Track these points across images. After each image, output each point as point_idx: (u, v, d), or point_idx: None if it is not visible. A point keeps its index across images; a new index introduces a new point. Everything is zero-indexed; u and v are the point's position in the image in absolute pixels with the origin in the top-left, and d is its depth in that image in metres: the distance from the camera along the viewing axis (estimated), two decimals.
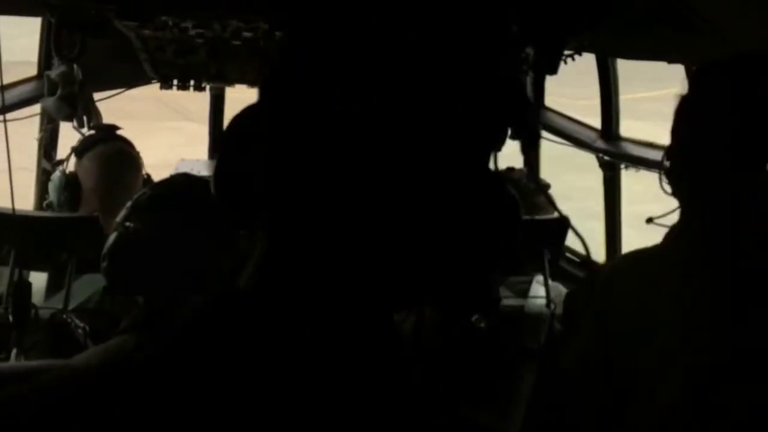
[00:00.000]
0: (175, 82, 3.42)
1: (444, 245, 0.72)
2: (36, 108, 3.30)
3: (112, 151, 2.59)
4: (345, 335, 0.73)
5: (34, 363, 2.06)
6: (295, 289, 0.73)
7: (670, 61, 2.81)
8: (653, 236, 1.53)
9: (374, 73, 0.69)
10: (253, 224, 0.78)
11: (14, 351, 2.27)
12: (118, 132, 2.76)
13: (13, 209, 2.25)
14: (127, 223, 1.53)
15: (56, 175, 2.68)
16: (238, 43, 2.80)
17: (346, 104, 0.69)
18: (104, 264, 1.58)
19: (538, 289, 2.82)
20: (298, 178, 0.71)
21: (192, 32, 2.71)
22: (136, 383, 0.69)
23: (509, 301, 2.73)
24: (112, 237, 1.56)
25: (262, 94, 0.76)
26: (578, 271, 3.87)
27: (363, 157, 0.69)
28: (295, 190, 0.72)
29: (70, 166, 2.76)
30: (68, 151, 2.84)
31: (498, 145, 0.77)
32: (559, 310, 2.78)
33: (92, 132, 2.88)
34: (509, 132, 0.78)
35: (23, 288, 2.32)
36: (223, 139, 0.76)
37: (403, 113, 0.69)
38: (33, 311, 2.33)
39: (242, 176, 0.74)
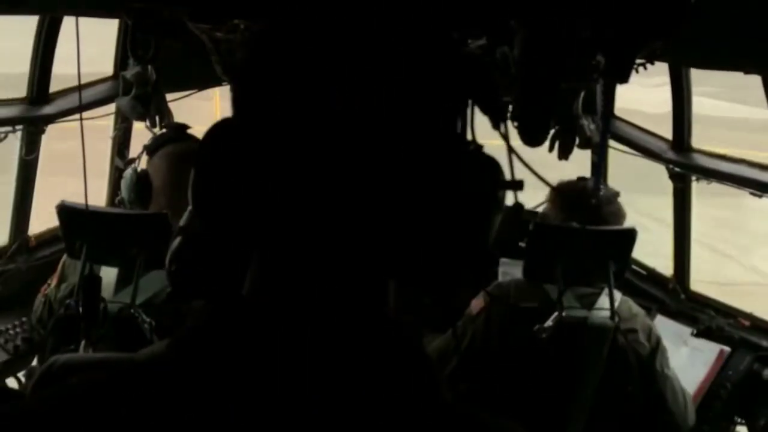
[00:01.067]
0: None
1: (423, 217, 0.75)
2: (111, 107, 3.40)
3: (180, 151, 2.64)
4: (343, 329, 0.74)
5: (100, 355, 2.11)
6: (292, 288, 0.75)
7: (747, 71, 2.73)
8: None
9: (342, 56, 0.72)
10: (241, 236, 0.79)
11: (83, 343, 2.34)
12: (189, 131, 2.81)
13: (87, 205, 2.32)
14: (191, 227, 1.54)
15: (128, 173, 2.75)
16: None
17: (317, 86, 0.72)
18: (169, 269, 1.60)
19: (605, 301, 2.76)
20: (281, 178, 0.73)
21: None
22: (149, 383, 0.72)
23: (574, 312, 2.69)
24: (176, 241, 1.58)
25: (234, 102, 0.78)
26: (644, 285, 3.79)
27: (338, 144, 0.72)
28: (280, 192, 0.74)
29: (143, 164, 2.83)
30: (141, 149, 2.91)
31: (459, 117, 0.79)
32: (624, 324, 2.72)
33: (164, 131, 2.94)
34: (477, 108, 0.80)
35: (93, 282, 2.38)
36: (200, 158, 0.78)
37: (370, 93, 0.72)
38: (102, 305, 2.39)
39: (223, 191, 0.76)
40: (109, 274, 2.52)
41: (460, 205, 0.76)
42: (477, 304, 2.84)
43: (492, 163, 0.79)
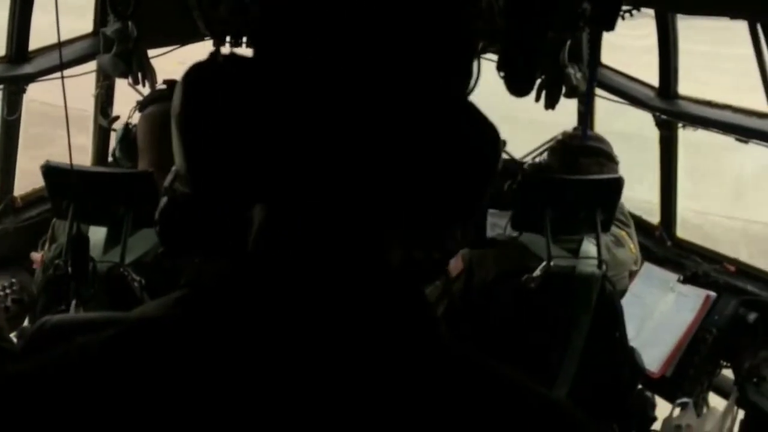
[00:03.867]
0: (228, 39, 3.43)
1: (421, 171, 0.75)
2: (92, 65, 3.36)
3: (160, 111, 2.59)
4: (349, 280, 0.75)
5: (92, 315, 2.11)
6: (299, 241, 0.75)
7: (733, 16, 2.72)
8: None
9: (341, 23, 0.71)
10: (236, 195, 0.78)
11: (73, 302, 2.34)
12: None
13: (71, 164, 2.30)
14: (175, 186, 1.53)
15: (120, 129, 2.72)
16: None
17: (318, 51, 0.71)
18: (157, 229, 1.60)
19: (589, 248, 2.78)
20: (286, 127, 0.73)
21: None
22: (163, 343, 0.73)
23: (560, 261, 2.71)
24: (162, 201, 1.57)
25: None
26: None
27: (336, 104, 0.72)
28: (284, 141, 0.73)
29: (135, 119, 2.78)
30: (125, 108, 2.87)
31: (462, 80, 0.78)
32: (611, 272, 2.75)
33: (160, 87, 2.89)
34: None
35: (81, 242, 2.37)
36: (184, 100, 0.76)
37: (371, 43, 0.71)
38: (91, 265, 2.38)
39: (219, 141, 0.75)
40: (97, 234, 2.51)
41: (459, 163, 0.76)
42: (456, 265, 2.85)
43: (491, 126, 0.79)
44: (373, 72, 0.72)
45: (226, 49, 3.51)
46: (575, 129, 3.00)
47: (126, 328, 0.75)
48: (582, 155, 2.82)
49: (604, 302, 2.72)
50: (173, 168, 1.62)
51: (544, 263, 2.69)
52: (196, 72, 0.76)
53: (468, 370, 0.77)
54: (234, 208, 0.82)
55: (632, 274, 3.29)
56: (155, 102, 2.65)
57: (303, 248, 0.75)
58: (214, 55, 0.76)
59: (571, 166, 2.81)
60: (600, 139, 3.04)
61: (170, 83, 2.74)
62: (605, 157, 2.86)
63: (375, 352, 0.73)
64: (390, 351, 0.74)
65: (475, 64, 0.79)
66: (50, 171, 2.48)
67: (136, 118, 2.77)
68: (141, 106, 2.72)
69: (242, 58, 0.77)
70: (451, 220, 0.79)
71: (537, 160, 3.06)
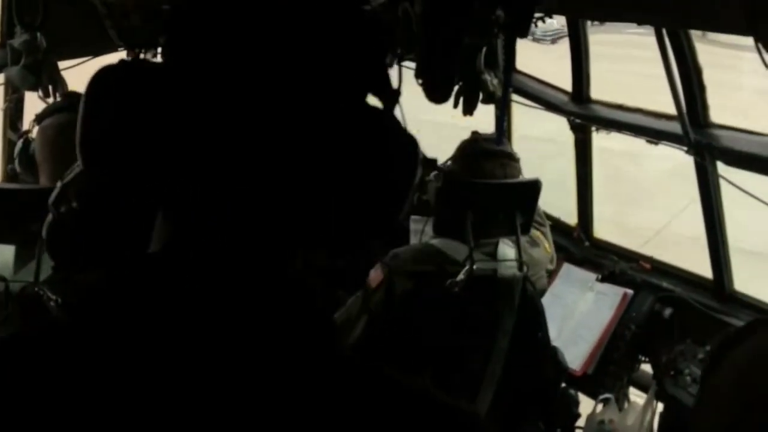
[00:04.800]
0: (142, 50, 3.36)
1: (333, 183, 0.75)
2: None
3: (61, 121, 2.51)
4: (247, 287, 0.74)
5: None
6: (197, 245, 0.74)
7: (640, 22, 2.81)
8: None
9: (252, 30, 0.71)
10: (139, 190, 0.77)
11: None
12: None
13: None
14: (60, 206, 1.48)
15: (19, 142, 2.63)
16: None
17: (226, 55, 0.71)
18: (45, 245, 1.55)
19: (506, 251, 2.82)
20: (189, 129, 0.72)
21: None
22: (48, 352, 0.70)
23: (481, 264, 2.74)
24: (48, 218, 1.52)
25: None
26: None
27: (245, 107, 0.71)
28: (187, 143, 0.73)
29: (35, 133, 2.70)
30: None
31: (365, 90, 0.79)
32: (529, 272, 2.80)
33: (58, 100, 2.82)
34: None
35: None
36: (89, 101, 0.75)
37: (279, 65, 0.72)
38: (2, 285, 2.29)
39: (122, 144, 0.74)
40: (4, 253, 2.42)
41: (376, 177, 0.76)
42: (376, 276, 2.85)
43: (410, 139, 0.79)
44: (283, 82, 0.72)
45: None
46: (474, 133, 3.04)
47: (7, 341, 0.73)
48: (483, 158, 2.85)
49: (526, 303, 2.77)
50: (58, 184, 1.56)
51: (467, 267, 2.71)
52: (102, 74, 0.75)
53: (368, 380, 0.77)
54: (124, 218, 0.80)
55: (549, 273, 3.35)
56: (53, 114, 2.58)
57: (201, 254, 0.74)
58: (123, 60, 0.75)
59: (474, 170, 2.84)
60: (501, 142, 3.07)
61: (70, 95, 2.67)
62: (506, 157, 2.90)
63: (267, 360, 0.72)
64: (283, 359, 0.73)
65: (395, 74, 0.79)
66: None
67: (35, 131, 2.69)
68: (38, 118, 2.64)
69: (151, 64, 0.76)
70: (369, 233, 0.79)
71: (441, 165, 3.08)
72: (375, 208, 0.77)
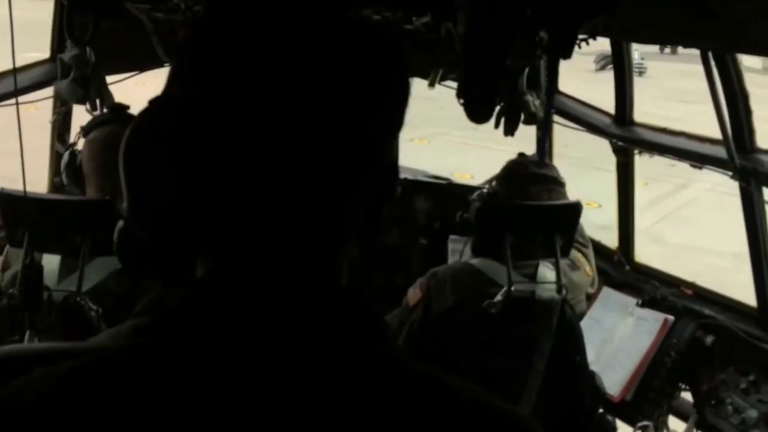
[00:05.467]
0: None
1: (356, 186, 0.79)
2: (49, 91, 3.32)
3: (107, 135, 2.56)
4: (300, 302, 0.76)
5: (44, 345, 2.07)
6: (248, 270, 0.76)
7: (686, 45, 2.78)
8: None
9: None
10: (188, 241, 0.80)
11: (27, 333, 2.28)
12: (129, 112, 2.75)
13: (25, 192, 2.26)
14: None
15: (66, 154, 2.68)
16: None
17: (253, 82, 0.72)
18: (115, 247, 1.59)
19: (545, 273, 2.80)
20: (229, 161, 0.74)
21: None
22: (123, 374, 0.72)
23: (519, 286, 2.72)
24: (119, 225, 1.56)
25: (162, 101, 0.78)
26: None
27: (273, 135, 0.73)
28: (229, 175, 0.74)
29: (80, 145, 2.76)
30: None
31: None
32: (568, 295, 2.77)
33: (101, 113, 2.87)
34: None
35: (34, 270, 2.32)
36: (128, 169, 0.77)
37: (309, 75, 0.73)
38: (46, 293, 2.33)
39: (163, 176, 0.76)
40: (51, 262, 2.46)
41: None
42: (414, 295, 2.85)
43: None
44: (309, 105, 0.73)
45: None
46: (520, 155, 3.03)
47: (86, 361, 0.74)
48: (530, 182, 2.85)
49: (564, 326, 2.74)
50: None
51: (504, 288, 2.70)
52: (145, 114, 0.77)
53: (425, 385, 0.77)
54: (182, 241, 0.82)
55: (589, 297, 3.32)
56: (98, 126, 2.62)
57: (260, 274, 0.76)
58: (156, 100, 0.77)
59: (519, 193, 2.83)
60: (546, 165, 3.07)
61: (115, 108, 2.71)
62: (553, 182, 2.89)
63: (333, 371, 0.73)
64: (346, 369, 0.74)
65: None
66: (4, 198, 2.44)
67: (81, 144, 2.74)
68: (84, 131, 2.69)
69: (172, 98, 0.77)
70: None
71: (485, 189, 3.07)
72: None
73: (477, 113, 2.38)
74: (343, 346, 0.75)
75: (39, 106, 3.36)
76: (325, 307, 0.76)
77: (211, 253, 0.78)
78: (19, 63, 2.04)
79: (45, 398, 0.70)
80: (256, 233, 0.75)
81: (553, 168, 3.06)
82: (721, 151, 3.04)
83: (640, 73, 16.77)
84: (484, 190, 3.03)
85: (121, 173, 0.77)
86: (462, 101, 2.38)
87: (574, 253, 3.04)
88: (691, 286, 3.56)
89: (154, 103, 0.77)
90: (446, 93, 3.30)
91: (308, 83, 0.73)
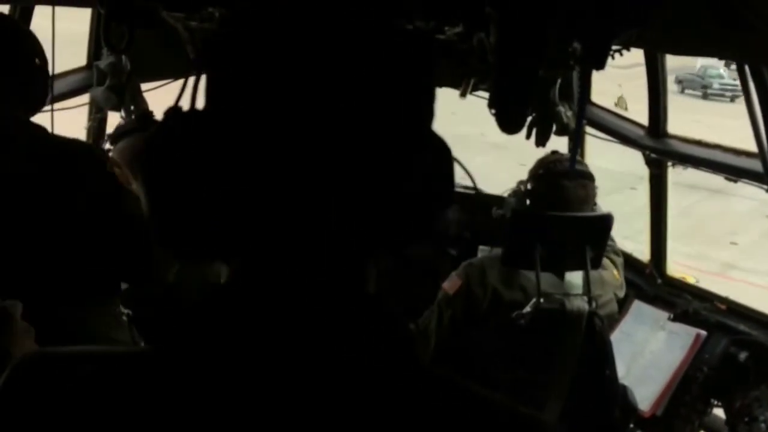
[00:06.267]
0: None
1: (386, 200, 0.76)
2: (85, 98, 3.36)
3: (131, 145, 2.58)
4: (327, 311, 0.75)
5: (74, 348, 2.09)
6: (274, 279, 0.76)
7: (721, 57, 2.75)
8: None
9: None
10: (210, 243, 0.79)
11: None
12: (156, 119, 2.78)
13: None
14: None
15: None
16: None
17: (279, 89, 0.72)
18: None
19: (575, 284, 2.78)
20: (253, 170, 0.73)
21: None
22: (142, 376, 0.73)
23: (551, 297, 2.71)
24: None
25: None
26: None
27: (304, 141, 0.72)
28: (253, 183, 0.74)
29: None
30: None
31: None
32: (599, 293, 2.76)
33: (129, 120, 2.90)
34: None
35: None
36: (147, 175, 0.77)
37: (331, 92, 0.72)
38: None
39: (186, 185, 0.75)
40: None
41: (420, 189, 0.78)
42: (453, 284, 2.86)
43: (446, 149, 0.81)
44: (335, 110, 0.72)
45: None
46: (554, 153, 3.01)
47: (103, 363, 0.76)
48: (565, 178, 2.84)
49: (593, 339, 2.71)
50: None
51: (533, 300, 2.68)
52: (164, 125, 0.77)
53: (449, 393, 0.77)
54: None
55: (619, 302, 3.27)
56: (125, 135, 2.65)
57: (283, 279, 0.76)
58: (173, 109, 0.77)
59: (555, 189, 2.83)
60: (578, 161, 3.06)
61: (143, 116, 2.74)
62: (586, 177, 2.89)
63: (355, 378, 0.73)
64: (369, 376, 0.74)
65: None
66: None
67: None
68: (111, 139, 2.72)
69: (191, 113, 0.77)
70: (415, 236, 0.80)
71: (521, 187, 3.06)
72: (418, 217, 0.79)
73: (509, 123, 2.37)
74: (366, 353, 0.74)
75: (82, 111, 3.42)
76: (348, 314, 0.76)
77: (235, 259, 0.78)
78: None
79: (63, 398, 0.72)
80: (281, 239, 0.75)
81: (584, 164, 3.06)
82: (756, 165, 3.00)
83: (733, 99, 15.95)
84: (521, 187, 3.02)
85: (140, 184, 0.78)
86: (494, 111, 2.37)
87: (603, 258, 3.02)
88: (725, 300, 3.51)
89: (169, 113, 0.78)
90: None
91: (336, 87, 0.72)
